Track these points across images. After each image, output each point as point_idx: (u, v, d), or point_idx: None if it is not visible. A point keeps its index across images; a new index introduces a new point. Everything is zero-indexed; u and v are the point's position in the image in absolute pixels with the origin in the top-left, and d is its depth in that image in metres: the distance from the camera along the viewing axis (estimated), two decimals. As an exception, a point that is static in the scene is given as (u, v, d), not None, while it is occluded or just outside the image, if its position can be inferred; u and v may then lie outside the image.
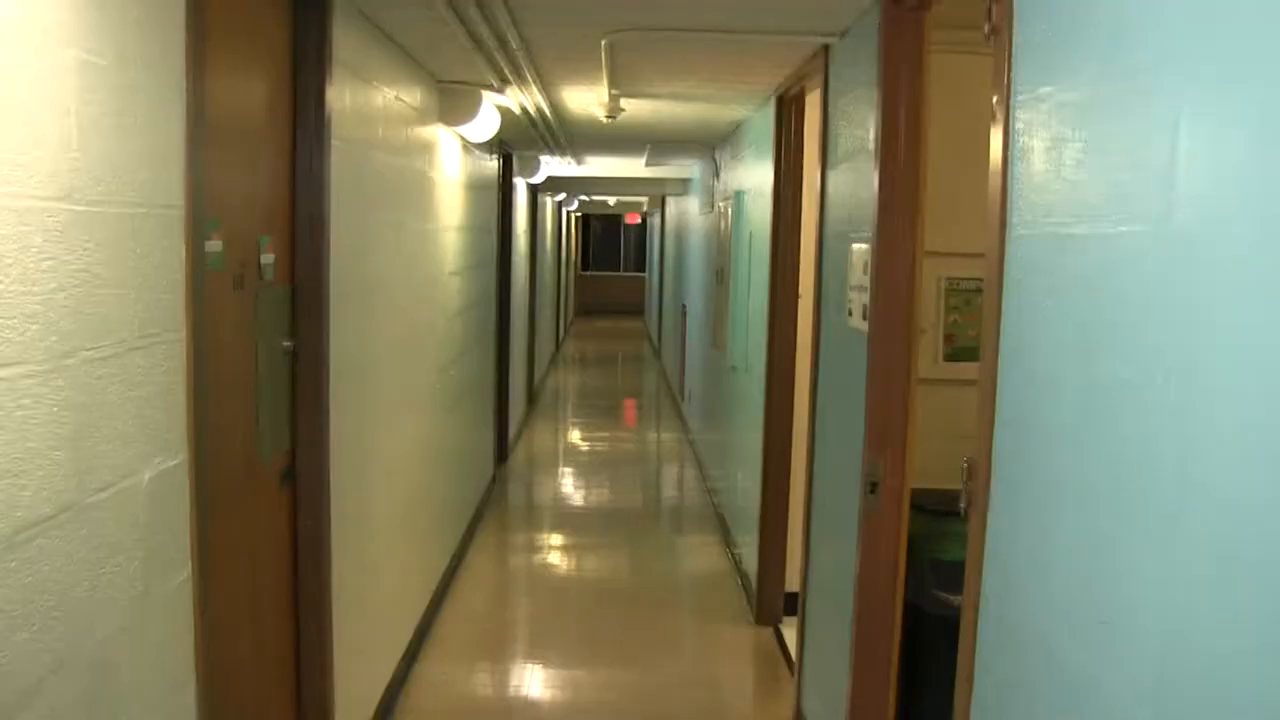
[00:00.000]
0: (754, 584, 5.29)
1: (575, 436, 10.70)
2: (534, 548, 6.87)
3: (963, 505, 2.22)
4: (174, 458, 2.10)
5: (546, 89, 5.26)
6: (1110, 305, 1.64)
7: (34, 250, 1.61)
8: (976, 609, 2.13)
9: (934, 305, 3.93)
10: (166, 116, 2.05)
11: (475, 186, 6.48)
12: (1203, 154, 1.40)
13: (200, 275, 2.21)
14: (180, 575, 2.14)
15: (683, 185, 11.77)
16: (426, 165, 4.76)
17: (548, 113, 5.95)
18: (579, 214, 23.58)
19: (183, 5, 2.10)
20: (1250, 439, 1.28)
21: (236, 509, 2.63)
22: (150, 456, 2.00)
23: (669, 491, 8.62)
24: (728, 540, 6.50)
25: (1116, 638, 1.59)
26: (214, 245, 2.36)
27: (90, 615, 1.79)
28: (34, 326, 1.61)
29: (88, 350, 1.77)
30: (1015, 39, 2.03)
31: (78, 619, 1.75)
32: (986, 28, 2.17)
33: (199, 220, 2.19)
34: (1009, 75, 2.05)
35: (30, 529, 1.61)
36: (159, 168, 2.02)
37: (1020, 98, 2.01)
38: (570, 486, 8.54)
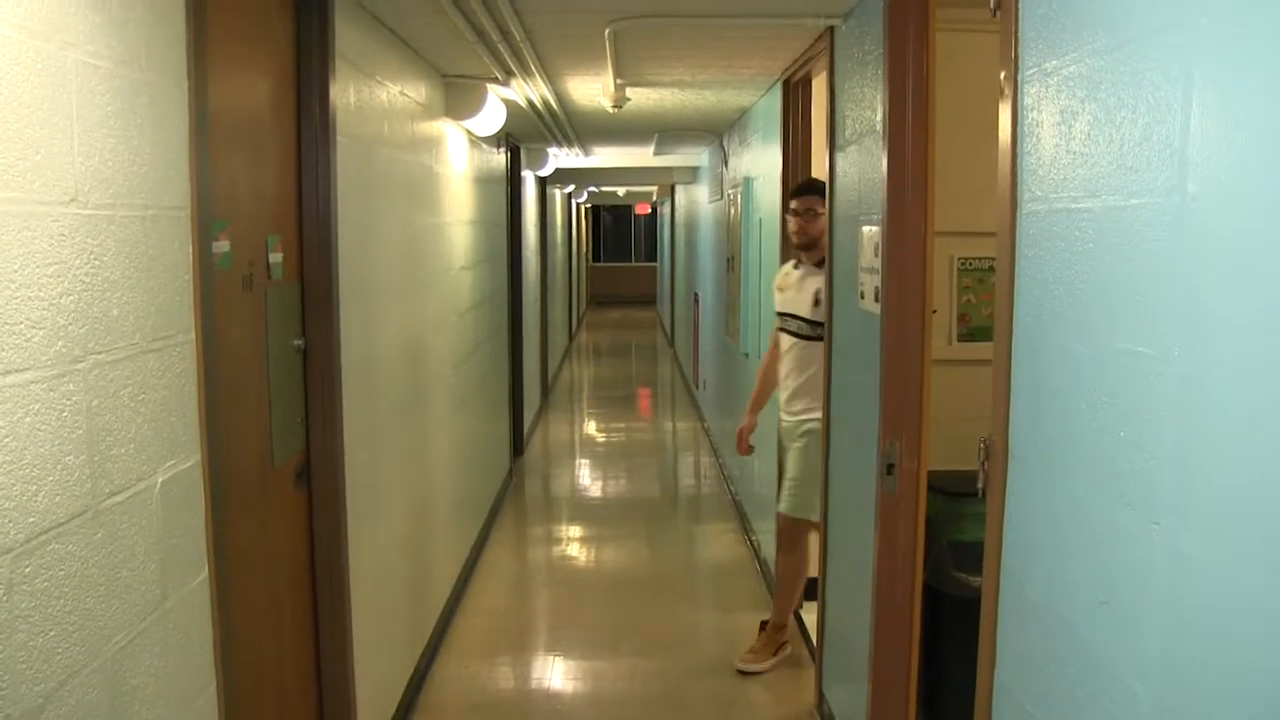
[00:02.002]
0: (773, 570, 5.27)
1: (590, 428, 10.70)
2: (552, 540, 6.87)
3: (980, 485, 2.21)
4: (188, 460, 2.10)
5: (551, 80, 5.24)
6: (1124, 279, 1.61)
7: (39, 255, 1.60)
8: (997, 589, 2.12)
9: (947, 285, 3.91)
10: (170, 117, 2.05)
11: (483, 180, 6.47)
12: (1214, 118, 1.38)
13: (209, 276, 2.21)
14: (197, 577, 2.15)
15: (691, 174, 11.74)
16: (433, 160, 4.75)
17: (554, 104, 5.94)
18: (589, 205, 23.56)
19: (182, 4, 2.09)
20: (1266, 411, 1.26)
21: (252, 510, 2.63)
22: (164, 459, 2.00)
23: (685, 481, 8.61)
24: (746, 528, 6.49)
25: (1120, 617, 1.57)
26: (221, 246, 2.36)
27: (108, 619, 1.80)
28: (40, 332, 1.60)
29: (99, 354, 1.77)
30: (1021, 13, 2.01)
31: (96, 623, 1.76)
32: (992, 3, 2.16)
33: (206, 220, 2.18)
34: (1016, 50, 2.03)
35: (44, 534, 1.61)
36: (165, 169, 2.01)
37: (1028, 73, 1.99)
38: (587, 478, 8.54)
